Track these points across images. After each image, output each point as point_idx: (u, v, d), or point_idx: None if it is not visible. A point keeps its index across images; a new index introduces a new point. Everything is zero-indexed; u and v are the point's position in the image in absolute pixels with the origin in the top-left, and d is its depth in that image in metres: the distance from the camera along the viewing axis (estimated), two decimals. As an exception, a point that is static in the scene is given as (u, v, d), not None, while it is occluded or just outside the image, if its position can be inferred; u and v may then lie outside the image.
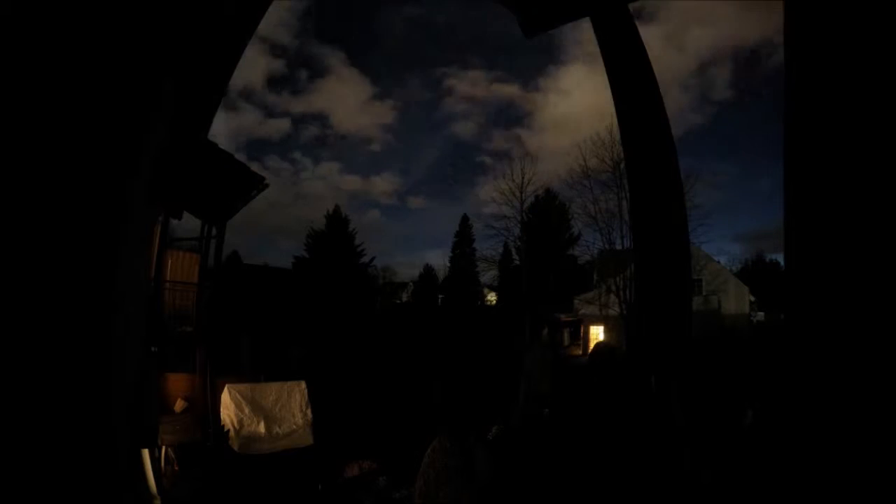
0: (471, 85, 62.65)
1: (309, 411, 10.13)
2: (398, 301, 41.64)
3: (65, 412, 2.47)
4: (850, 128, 1.85)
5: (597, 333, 26.64)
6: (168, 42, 2.98)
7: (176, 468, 8.30)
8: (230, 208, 11.14)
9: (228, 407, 9.42)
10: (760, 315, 30.03)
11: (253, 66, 48.54)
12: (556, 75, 67.47)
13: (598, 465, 4.33)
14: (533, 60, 70.87)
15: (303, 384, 10.36)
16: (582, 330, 28.38)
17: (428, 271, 44.48)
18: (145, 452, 7.10)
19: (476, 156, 69.93)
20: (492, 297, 40.55)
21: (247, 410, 9.49)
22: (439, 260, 49.27)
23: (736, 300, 28.70)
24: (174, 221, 9.67)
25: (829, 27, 1.92)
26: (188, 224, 11.64)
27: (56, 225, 2.48)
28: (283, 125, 68.59)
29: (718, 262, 28.57)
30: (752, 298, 30.12)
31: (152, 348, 8.08)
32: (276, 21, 47.32)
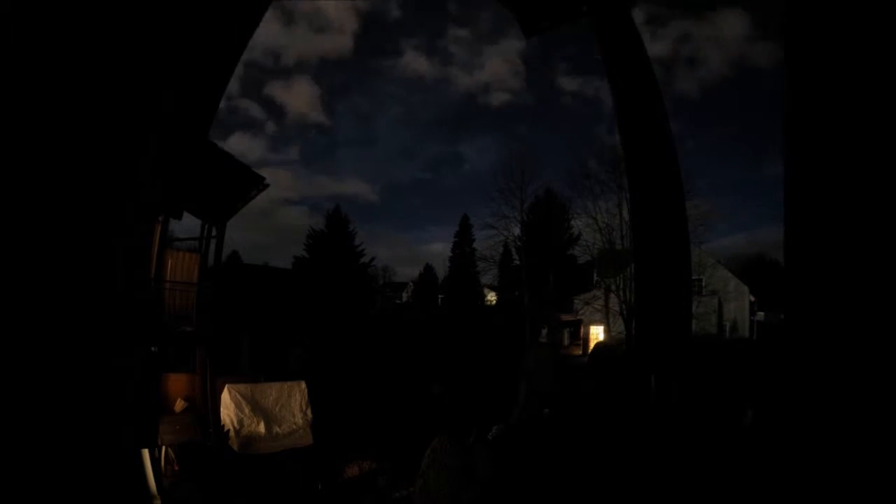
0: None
1: (309, 411, 10.14)
2: (398, 301, 41.62)
3: (65, 412, 2.47)
4: (849, 128, 1.85)
5: (597, 333, 26.63)
6: (168, 44, 2.98)
7: (176, 468, 8.30)
8: (230, 208, 11.15)
9: (228, 407, 9.42)
10: (760, 315, 29.94)
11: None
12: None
13: (598, 464, 4.33)
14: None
15: (303, 384, 10.37)
16: (582, 330, 28.37)
17: (428, 271, 44.46)
18: (145, 452, 7.09)
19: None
20: (492, 297, 40.46)
21: (247, 410, 9.49)
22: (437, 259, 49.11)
23: (736, 300, 28.66)
24: (174, 221, 9.69)
25: (829, 27, 1.93)
26: (188, 224, 11.66)
27: (57, 225, 2.48)
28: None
29: (718, 261, 28.54)
30: (752, 298, 30.04)
31: (152, 348, 8.08)
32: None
